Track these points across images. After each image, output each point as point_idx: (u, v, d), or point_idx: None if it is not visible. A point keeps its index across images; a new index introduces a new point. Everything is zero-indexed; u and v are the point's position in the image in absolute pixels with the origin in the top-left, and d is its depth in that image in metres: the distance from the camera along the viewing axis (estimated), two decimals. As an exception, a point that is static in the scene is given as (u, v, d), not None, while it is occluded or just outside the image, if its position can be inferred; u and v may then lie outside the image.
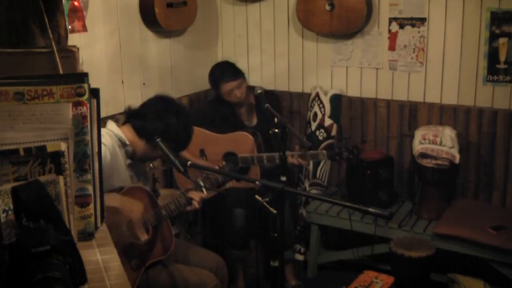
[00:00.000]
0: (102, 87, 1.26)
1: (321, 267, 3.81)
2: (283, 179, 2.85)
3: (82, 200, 1.26)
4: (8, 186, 1.04)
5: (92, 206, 1.27)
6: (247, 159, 3.36)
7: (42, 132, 1.11)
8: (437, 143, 3.34)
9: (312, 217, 3.69)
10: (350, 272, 3.27)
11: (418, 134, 3.45)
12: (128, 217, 2.39)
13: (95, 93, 1.23)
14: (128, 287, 1.14)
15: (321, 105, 3.88)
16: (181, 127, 2.60)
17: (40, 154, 1.10)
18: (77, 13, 2.75)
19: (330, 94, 3.89)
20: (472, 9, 3.44)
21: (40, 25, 1.36)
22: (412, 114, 3.73)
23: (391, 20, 3.69)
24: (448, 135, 3.37)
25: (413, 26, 3.63)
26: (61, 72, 1.33)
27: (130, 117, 2.65)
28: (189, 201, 2.62)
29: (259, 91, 3.39)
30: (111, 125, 2.60)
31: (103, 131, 2.46)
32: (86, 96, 1.19)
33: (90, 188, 1.26)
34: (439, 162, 3.31)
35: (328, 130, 3.86)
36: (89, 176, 1.25)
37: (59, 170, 1.12)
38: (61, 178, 1.11)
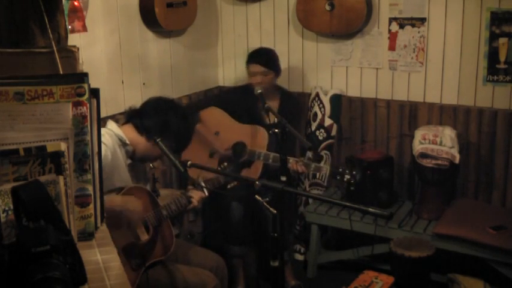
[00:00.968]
0: (102, 87, 1.26)
1: (321, 267, 3.81)
2: (283, 179, 2.85)
3: (82, 200, 1.26)
4: (8, 186, 1.04)
5: (92, 206, 1.27)
6: (254, 153, 3.39)
7: (42, 132, 1.11)
8: (437, 143, 3.35)
9: (312, 217, 3.69)
10: (350, 272, 3.27)
11: (418, 134, 3.45)
12: (128, 217, 2.39)
13: (95, 93, 1.23)
14: (128, 287, 1.14)
15: (321, 105, 3.88)
16: (181, 123, 2.60)
17: (40, 154, 1.10)
18: (77, 13, 2.75)
19: (330, 94, 3.89)
20: (472, 9, 3.44)
21: (40, 25, 1.36)
22: (412, 114, 3.73)
23: (391, 20, 3.69)
24: (448, 135, 3.37)
25: (413, 26, 3.63)
26: (61, 72, 1.33)
27: (130, 116, 2.65)
28: (190, 200, 2.63)
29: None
30: (111, 125, 2.60)
31: (103, 130, 2.46)
32: (86, 96, 1.19)
33: (90, 188, 1.26)
34: (439, 162, 3.31)
35: (328, 130, 3.86)
36: (89, 176, 1.25)
37: (59, 170, 1.11)
38: (61, 178, 1.11)
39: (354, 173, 3.12)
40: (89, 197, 1.27)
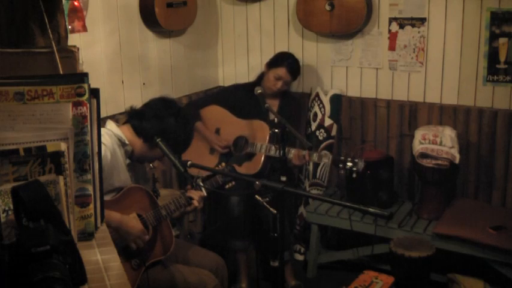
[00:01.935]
0: (102, 87, 1.26)
1: (321, 267, 3.81)
2: (283, 179, 2.85)
3: (82, 200, 1.26)
4: (8, 186, 1.04)
5: (92, 206, 1.27)
6: (255, 146, 3.43)
7: (42, 132, 1.11)
8: (438, 143, 3.34)
9: (312, 217, 3.69)
10: (350, 272, 3.27)
11: (418, 134, 3.45)
12: (124, 236, 2.38)
13: (95, 93, 1.23)
14: (128, 287, 1.14)
15: (321, 105, 3.88)
16: (179, 128, 2.59)
17: (40, 154, 1.10)
18: (77, 13, 2.75)
19: (330, 94, 3.89)
20: (472, 9, 3.44)
21: (40, 25, 1.36)
22: (412, 114, 3.73)
23: (391, 20, 3.69)
24: (448, 135, 3.37)
25: (413, 26, 3.63)
26: (61, 72, 1.33)
27: (130, 117, 2.65)
28: (189, 200, 2.62)
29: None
30: (110, 125, 2.60)
31: (103, 131, 2.46)
32: (86, 96, 1.19)
33: (90, 188, 1.26)
34: (439, 162, 3.31)
35: (328, 130, 3.86)
36: (89, 176, 1.25)
37: (59, 170, 1.12)
38: (61, 178, 1.11)
39: (356, 160, 3.13)
40: (89, 197, 1.27)
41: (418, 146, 3.39)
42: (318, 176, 3.90)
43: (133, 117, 2.62)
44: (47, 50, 1.34)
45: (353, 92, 3.93)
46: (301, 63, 3.99)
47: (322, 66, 4.00)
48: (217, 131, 3.62)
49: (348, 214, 3.48)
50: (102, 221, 1.33)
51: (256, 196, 2.02)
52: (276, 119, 2.99)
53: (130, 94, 3.55)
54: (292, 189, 2.50)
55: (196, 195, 2.63)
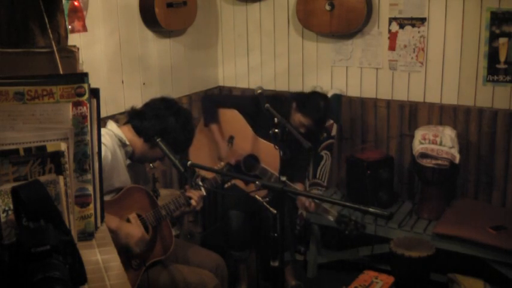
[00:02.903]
0: (102, 87, 1.26)
1: (321, 267, 3.81)
2: (283, 179, 2.85)
3: (82, 200, 1.26)
4: (8, 186, 1.04)
5: (92, 206, 1.27)
6: (267, 172, 3.31)
7: (42, 132, 1.11)
8: (438, 143, 3.34)
9: (312, 217, 3.69)
10: (350, 272, 3.27)
11: (418, 134, 3.45)
12: (122, 242, 2.37)
13: (95, 93, 1.23)
14: (128, 287, 1.14)
15: (321, 105, 3.88)
16: (179, 128, 2.58)
17: (40, 154, 1.10)
18: (77, 13, 2.75)
19: (330, 94, 3.89)
20: (472, 9, 3.44)
21: (40, 25, 1.36)
22: (412, 114, 3.73)
23: (391, 20, 3.69)
24: (448, 135, 3.37)
25: (413, 26, 3.63)
26: (61, 72, 1.33)
27: (131, 117, 2.65)
28: (188, 200, 2.61)
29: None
30: (111, 125, 2.60)
31: (103, 131, 2.46)
32: (86, 96, 1.19)
33: (90, 188, 1.26)
34: (439, 162, 3.31)
35: (328, 130, 3.86)
36: (89, 176, 1.25)
37: (59, 170, 1.11)
38: (61, 178, 1.11)
39: (359, 225, 2.98)
40: (89, 197, 1.27)
41: (418, 146, 3.39)
42: (318, 176, 3.90)
43: (133, 118, 2.62)
44: (47, 50, 1.34)
45: (353, 92, 3.93)
46: (300, 63, 3.99)
47: (322, 66, 4.00)
48: (231, 139, 3.45)
49: (348, 214, 3.47)
50: (102, 221, 1.33)
51: (256, 196, 2.02)
52: (276, 119, 2.99)
53: (130, 94, 3.55)
54: (292, 189, 2.50)
55: (196, 195, 2.62)
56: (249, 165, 3.41)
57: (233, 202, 3.40)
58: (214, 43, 4.35)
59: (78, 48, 1.41)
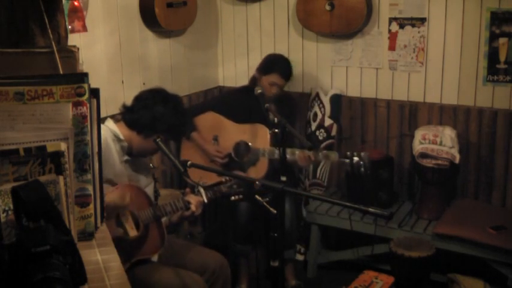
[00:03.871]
0: (102, 87, 1.26)
1: (321, 267, 3.81)
2: (283, 179, 2.85)
3: (82, 200, 1.26)
4: (8, 186, 1.04)
5: (92, 206, 1.27)
6: (258, 151, 3.38)
7: (42, 132, 1.11)
8: (438, 143, 3.35)
9: (312, 217, 3.69)
10: (350, 272, 3.27)
11: (418, 134, 3.45)
12: (120, 207, 2.38)
13: (95, 93, 1.23)
14: (128, 286, 1.14)
15: (321, 105, 3.88)
16: (169, 113, 2.59)
17: (40, 154, 1.10)
18: (77, 13, 2.75)
19: (330, 94, 3.89)
20: (472, 9, 3.44)
21: (40, 25, 1.36)
22: (412, 114, 3.73)
23: (391, 20, 3.69)
24: (448, 135, 3.37)
25: (413, 26, 3.63)
26: (61, 72, 1.33)
27: (122, 113, 2.69)
28: (187, 205, 2.60)
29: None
30: (108, 122, 2.68)
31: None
32: (86, 96, 1.19)
33: (90, 188, 1.26)
34: (439, 162, 3.31)
35: (328, 130, 3.86)
36: (89, 176, 1.25)
37: (59, 170, 1.12)
38: (61, 178, 1.11)
39: (362, 154, 3.09)
40: (89, 197, 1.27)
41: (418, 146, 3.39)
42: (318, 176, 3.90)
43: (124, 113, 2.67)
44: (47, 50, 1.34)
45: (353, 92, 3.93)
46: (300, 63, 3.99)
47: (322, 66, 4.00)
48: (216, 139, 3.54)
49: (348, 214, 3.48)
50: (102, 221, 1.34)
51: (256, 196, 2.01)
52: (276, 119, 2.99)
53: (131, 94, 3.51)
54: (292, 189, 2.50)
55: (195, 200, 2.60)
56: (240, 152, 3.47)
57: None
58: (214, 43, 4.35)
59: (78, 48, 1.41)
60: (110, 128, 2.61)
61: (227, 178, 2.83)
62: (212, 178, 2.74)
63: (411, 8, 3.61)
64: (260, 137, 3.46)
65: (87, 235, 1.28)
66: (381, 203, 3.51)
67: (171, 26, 3.69)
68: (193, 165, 2.29)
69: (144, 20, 3.60)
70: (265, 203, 1.98)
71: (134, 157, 2.67)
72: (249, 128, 3.51)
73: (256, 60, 4.22)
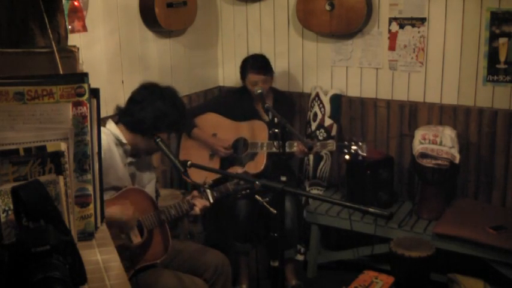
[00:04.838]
0: (102, 87, 1.26)
1: (321, 267, 3.80)
2: (283, 179, 2.85)
3: (82, 200, 1.26)
4: (8, 186, 1.04)
5: (92, 206, 1.27)
6: (257, 144, 3.46)
7: (42, 132, 1.11)
8: (437, 143, 3.35)
9: (312, 217, 3.69)
10: (350, 272, 3.27)
11: (418, 134, 3.45)
12: (122, 218, 2.36)
13: (95, 93, 1.23)
14: (127, 287, 1.14)
15: (321, 105, 3.88)
16: (170, 108, 2.55)
17: (40, 154, 1.10)
18: (77, 13, 2.75)
19: (330, 94, 3.89)
20: (472, 9, 3.44)
21: (40, 25, 1.36)
22: (412, 114, 3.73)
23: (391, 20, 3.69)
24: (448, 135, 3.37)
25: (413, 26, 3.63)
26: (61, 72, 1.33)
27: (120, 116, 2.64)
28: (192, 207, 2.59)
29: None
30: (110, 125, 2.62)
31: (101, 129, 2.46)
32: (86, 96, 1.19)
33: (90, 188, 1.26)
34: (439, 162, 3.31)
35: (328, 130, 3.86)
36: (89, 176, 1.25)
37: (59, 170, 1.11)
38: (61, 178, 1.11)
39: (360, 143, 3.15)
40: (89, 197, 1.27)
41: (418, 146, 3.39)
42: (318, 176, 3.90)
43: (122, 116, 2.61)
44: (47, 50, 1.34)
45: (353, 92, 3.93)
46: (300, 63, 3.99)
47: (322, 66, 4.00)
48: (214, 136, 3.63)
49: (348, 214, 3.48)
50: (102, 221, 1.33)
51: (256, 196, 2.01)
52: (276, 119, 2.99)
53: (131, 94, 3.54)
54: (292, 189, 2.50)
55: (200, 204, 2.60)
56: (239, 147, 3.55)
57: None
58: (214, 43, 4.35)
59: (78, 48, 1.41)
60: (112, 132, 2.56)
61: (208, 181, 2.83)
62: (214, 175, 2.76)
63: (411, 8, 3.61)
64: (258, 132, 3.53)
65: (87, 235, 1.28)
66: (381, 203, 3.51)
67: (171, 26, 3.69)
68: (193, 165, 2.29)
69: (144, 20, 3.60)
70: (265, 203, 1.98)
71: (138, 157, 2.66)
72: (247, 125, 3.59)
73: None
